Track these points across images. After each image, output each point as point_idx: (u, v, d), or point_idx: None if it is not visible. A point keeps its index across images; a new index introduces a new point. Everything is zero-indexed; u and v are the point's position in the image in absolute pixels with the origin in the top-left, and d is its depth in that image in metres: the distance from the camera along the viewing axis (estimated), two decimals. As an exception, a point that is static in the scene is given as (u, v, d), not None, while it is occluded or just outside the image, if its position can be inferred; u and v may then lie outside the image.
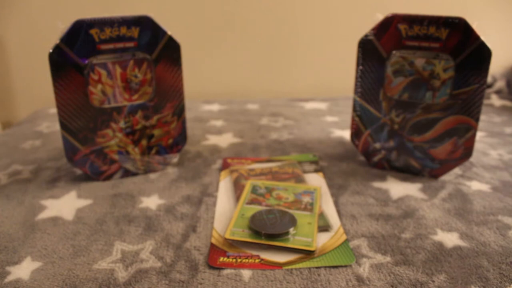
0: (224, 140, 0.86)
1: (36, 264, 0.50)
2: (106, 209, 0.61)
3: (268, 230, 0.53)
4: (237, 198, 0.62)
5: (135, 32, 0.64)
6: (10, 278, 0.47)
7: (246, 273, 0.48)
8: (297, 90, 1.25)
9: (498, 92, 1.17)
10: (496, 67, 1.23)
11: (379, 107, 0.69)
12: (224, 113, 1.03)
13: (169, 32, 0.67)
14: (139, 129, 0.69)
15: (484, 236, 0.54)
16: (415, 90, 0.66)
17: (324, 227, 0.56)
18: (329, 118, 0.99)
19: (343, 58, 1.19)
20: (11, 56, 1.14)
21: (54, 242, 0.53)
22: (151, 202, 0.63)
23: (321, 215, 0.58)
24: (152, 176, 0.71)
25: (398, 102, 0.68)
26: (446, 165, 0.68)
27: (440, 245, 0.52)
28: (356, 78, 0.70)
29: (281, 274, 0.48)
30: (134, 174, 0.71)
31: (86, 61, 0.61)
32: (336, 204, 0.62)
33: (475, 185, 0.67)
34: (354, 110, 0.72)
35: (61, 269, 0.49)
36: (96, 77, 0.64)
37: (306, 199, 0.61)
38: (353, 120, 0.73)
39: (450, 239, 0.54)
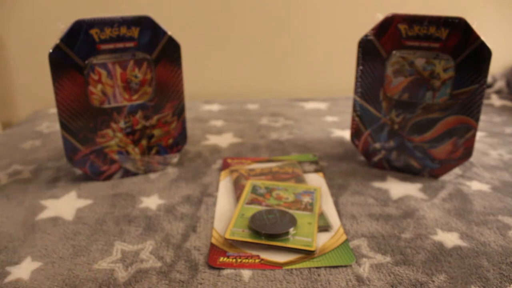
0: (224, 140, 0.86)
1: (36, 264, 0.50)
2: (106, 209, 0.61)
3: (268, 230, 0.53)
4: (237, 198, 0.62)
5: (135, 32, 0.64)
6: (10, 278, 0.47)
7: (246, 273, 0.48)
8: (297, 90, 1.25)
9: (498, 92, 1.17)
10: (496, 67, 1.23)
11: (379, 107, 0.69)
12: (224, 113, 1.03)
13: (169, 32, 0.67)
14: (139, 129, 0.69)
15: (484, 236, 0.54)
16: (415, 90, 0.66)
17: (324, 227, 0.56)
18: (329, 118, 0.99)
19: (343, 58, 1.19)
20: (11, 56, 1.14)
21: (54, 242, 0.53)
22: (151, 202, 0.63)
23: (321, 215, 0.58)
24: (152, 176, 0.71)
25: (398, 102, 0.68)
26: (446, 165, 0.68)
27: (440, 245, 0.52)
28: (356, 78, 0.70)
29: (281, 274, 0.48)
30: (134, 174, 0.71)
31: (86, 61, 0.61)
32: (336, 204, 0.62)
33: (475, 185, 0.67)
34: (354, 110, 0.72)
35: (61, 269, 0.49)
36: (96, 77, 0.64)
37: (306, 199, 0.61)
38: (353, 120, 0.73)
39: (450, 239, 0.54)
